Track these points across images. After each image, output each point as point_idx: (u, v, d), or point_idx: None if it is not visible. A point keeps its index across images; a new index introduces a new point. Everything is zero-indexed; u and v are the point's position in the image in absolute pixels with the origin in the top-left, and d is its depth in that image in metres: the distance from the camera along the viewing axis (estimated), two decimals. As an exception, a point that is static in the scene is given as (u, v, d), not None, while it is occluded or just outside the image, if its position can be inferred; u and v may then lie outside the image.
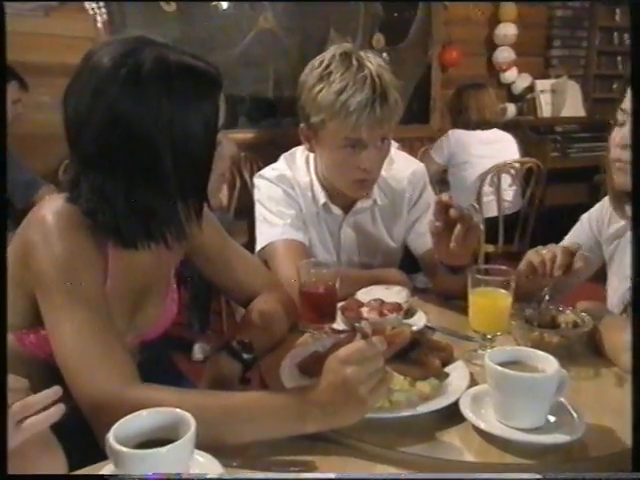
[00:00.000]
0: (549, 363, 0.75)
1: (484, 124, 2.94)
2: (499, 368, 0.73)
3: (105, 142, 0.77)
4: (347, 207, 1.36)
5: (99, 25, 2.86)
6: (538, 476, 0.62)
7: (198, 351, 2.63)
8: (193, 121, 0.78)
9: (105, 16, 2.85)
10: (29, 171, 2.26)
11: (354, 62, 1.14)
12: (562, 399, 0.76)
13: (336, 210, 1.35)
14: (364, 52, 1.18)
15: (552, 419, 0.74)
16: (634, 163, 0.76)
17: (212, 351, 2.62)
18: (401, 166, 1.39)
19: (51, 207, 0.81)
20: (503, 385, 0.74)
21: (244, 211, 3.31)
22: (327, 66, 1.16)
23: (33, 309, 0.81)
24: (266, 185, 1.34)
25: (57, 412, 0.57)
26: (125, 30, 3.09)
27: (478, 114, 2.94)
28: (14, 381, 0.59)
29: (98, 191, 0.79)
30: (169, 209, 0.82)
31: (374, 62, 1.16)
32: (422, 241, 1.37)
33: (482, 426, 0.74)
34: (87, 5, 2.78)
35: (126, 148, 0.77)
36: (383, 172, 1.30)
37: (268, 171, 1.36)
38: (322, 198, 1.33)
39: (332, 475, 0.67)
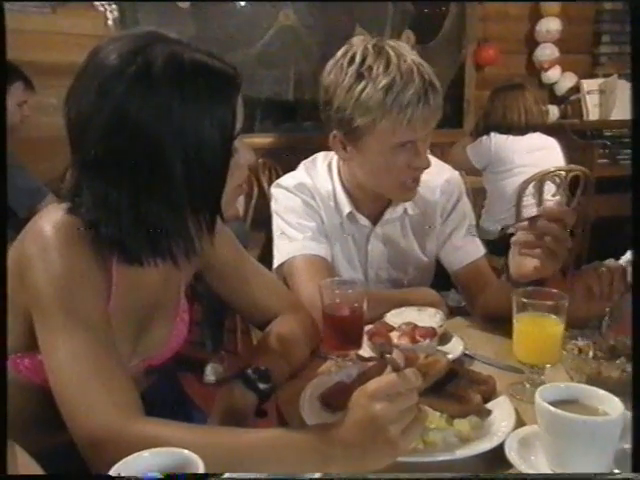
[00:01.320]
0: (612, 404, 0.70)
1: (524, 129, 2.89)
2: (552, 409, 0.68)
3: (109, 147, 0.75)
4: (375, 218, 1.33)
5: (109, 23, 2.90)
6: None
7: (210, 373, 2.62)
8: (207, 126, 0.76)
9: (116, 13, 2.89)
10: (34, 178, 2.28)
11: (392, 53, 1.12)
12: (627, 447, 0.71)
13: (363, 220, 1.32)
14: (393, 41, 1.16)
15: (616, 471, 0.69)
16: (634, 163, 0.75)
17: (225, 373, 2.62)
18: (433, 173, 1.35)
19: (50, 218, 0.79)
20: (558, 429, 0.69)
21: (262, 221, 3.32)
22: (363, 61, 1.12)
23: (29, 331, 0.79)
24: (284, 195, 1.31)
25: None
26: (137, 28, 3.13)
27: (517, 118, 2.88)
28: None
29: (101, 201, 0.77)
30: (178, 222, 0.80)
31: (409, 51, 1.14)
32: (457, 256, 1.35)
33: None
34: (96, 2, 2.81)
35: (132, 154, 0.75)
36: None
37: (286, 180, 1.34)
38: (347, 207, 1.30)
39: (333, 475, 0.66)
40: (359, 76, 1.12)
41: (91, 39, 2.92)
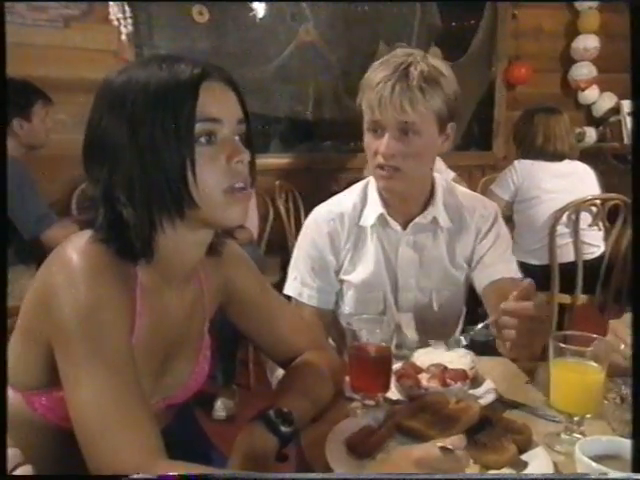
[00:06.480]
0: (656, 459, 0.71)
1: (555, 156, 2.88)
2: (595, 465, 0.70)
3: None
4: (406, 224, 1.40)
5: (123, 37, 2.98)
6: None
7: (220, 408, 2.61)
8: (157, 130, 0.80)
9: (130, 27, 2.97)
10: (45, 204, 2.36)
11: (400, 53, 1.30)
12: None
13: (394, 224, 1.40)
14: (426, 54, 1.31)
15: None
16: (634, 165, 0.77)
17: (236, 408, 2.61)
18: (472, 196, 1.48)
19: (77, 247, 0.82)
20: (600, 486, 0.70)
21: (277, 246, 3.36)
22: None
23: (48, 367, 0.83)
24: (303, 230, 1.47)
25: None
26: (151, 43, 3.22)
27: (549, 144, 2.87)
28: None
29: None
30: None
31: (422, 57, 1.29)
32: (487, 273, 1.40)
33: (573, 534, 0.71)
34: (112, 16, 2.90)
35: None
36: (445, 197, 1.40)
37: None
38: (379, 209, 1.39)
39: (333, 475, 0.71)
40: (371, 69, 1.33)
41: (104, 54, 3.02)
